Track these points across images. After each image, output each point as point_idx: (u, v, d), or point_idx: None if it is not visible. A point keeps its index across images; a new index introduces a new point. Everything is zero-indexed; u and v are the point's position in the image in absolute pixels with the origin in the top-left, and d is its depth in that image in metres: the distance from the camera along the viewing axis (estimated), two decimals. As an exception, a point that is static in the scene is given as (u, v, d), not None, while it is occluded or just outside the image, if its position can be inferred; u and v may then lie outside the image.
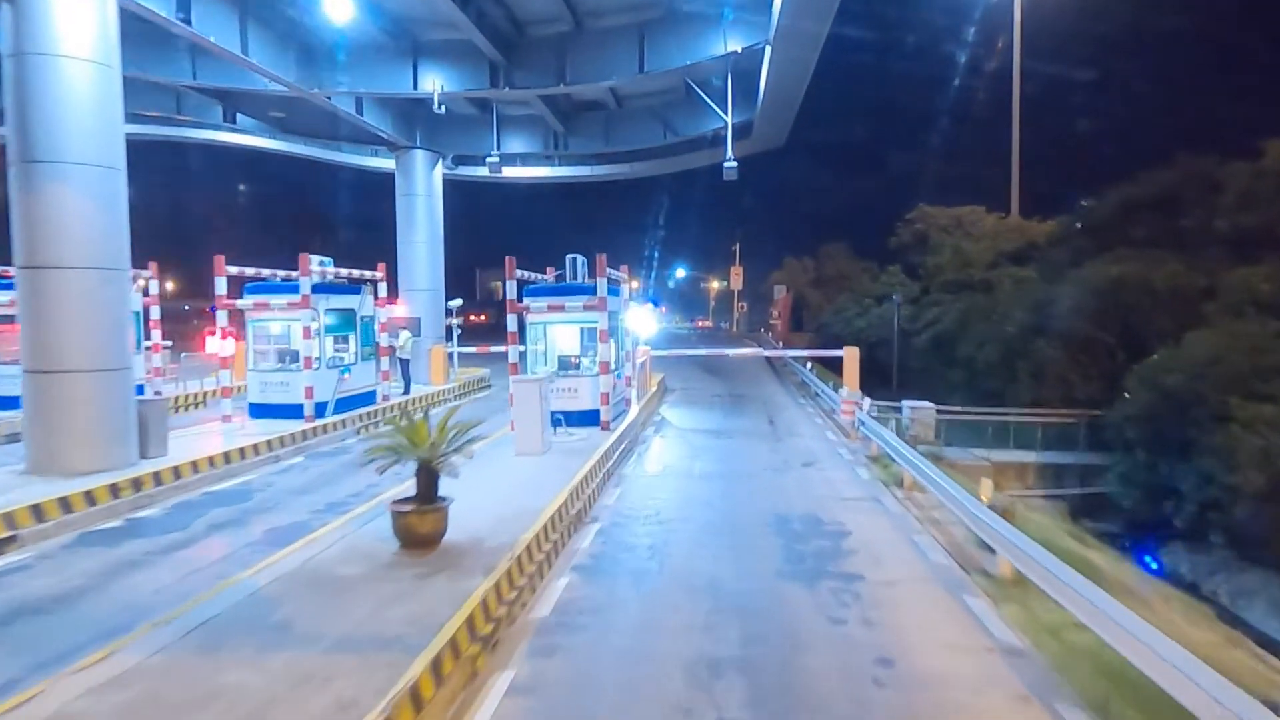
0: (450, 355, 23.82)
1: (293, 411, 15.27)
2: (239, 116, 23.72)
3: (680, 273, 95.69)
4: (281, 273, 16.56)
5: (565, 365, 15.45)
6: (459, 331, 23.59)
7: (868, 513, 10.59)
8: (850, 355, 20.72)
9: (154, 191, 40.02)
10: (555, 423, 13.65)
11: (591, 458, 11.81)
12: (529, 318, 15.27)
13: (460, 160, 25.01)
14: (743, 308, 74.42)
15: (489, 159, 21.31)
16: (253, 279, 16.17)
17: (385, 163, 24.75)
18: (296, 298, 15.16)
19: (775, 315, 53.75)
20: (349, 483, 11.84)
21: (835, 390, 20.59)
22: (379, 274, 18.43)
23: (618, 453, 13.52)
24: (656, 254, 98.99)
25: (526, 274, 16.64)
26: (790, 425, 18.44)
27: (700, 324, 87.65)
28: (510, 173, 25.40)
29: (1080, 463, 15.23)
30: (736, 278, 73.57)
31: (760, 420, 19.30)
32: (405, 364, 19.78)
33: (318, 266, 16.23)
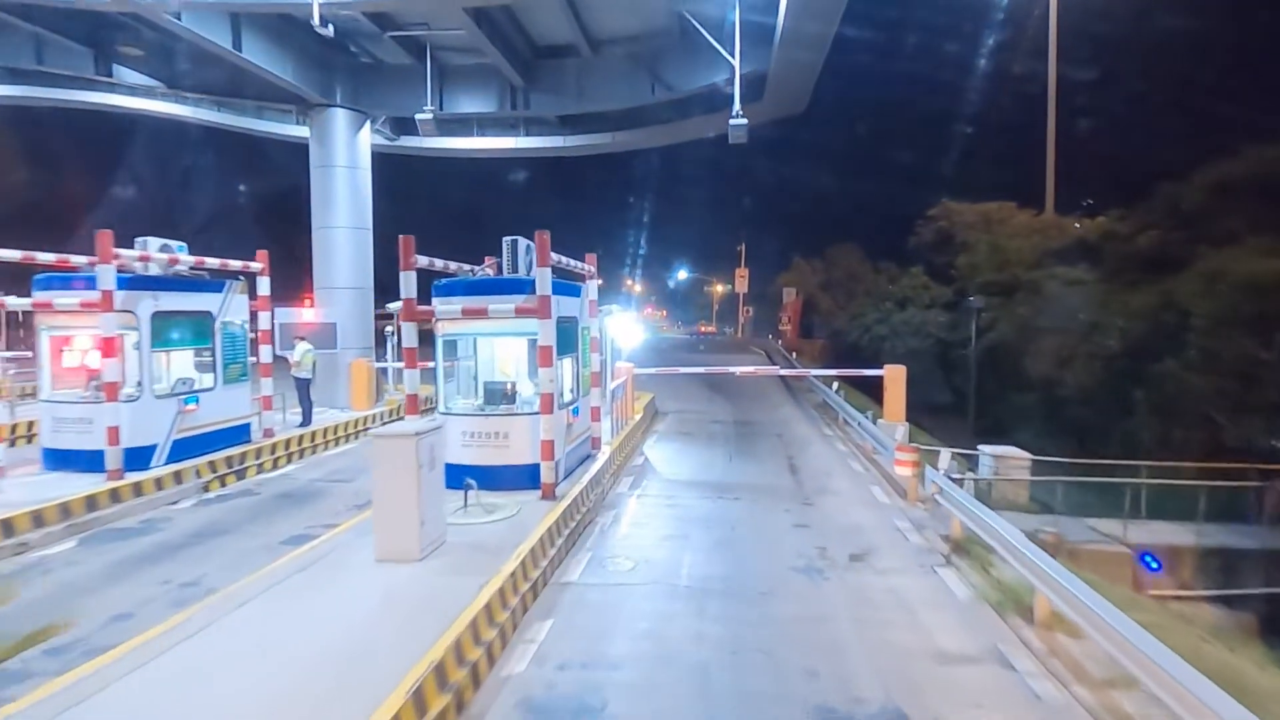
0: (384, 371, 18.94)
1: (97, 461, 10.40)
2: (128, 75, 18.85)
3: (682, 274, 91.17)
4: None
5: (495, 397, 10.51)
6: (394, 340, 18.67)
7: (999, 700, 5.63)
8: (894, 377, 15.82)
9: (26, 169, 34.62)
10: (463, 487, 8.78)
11: (503, 568, 6.91)
12: (439, 329, 10.39)
13: (402, 128, 20.12)
14: (748, 312, 69.45)
15: (419, 116, 16.36)
16: (54, 269, 11.28)
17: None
18: (95, 295, 10.25)
19: (785, 320, 48.79)
20: (92, 605, 7.01)
21: (874, 421, 15.67)
22: (258, 264, 13.53)
23: (560, 541, 8.59)
24: (659, 252, 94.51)
25: (452, 265, 11.73)
26: (819, 474, 13.47)
27: (703, 329, 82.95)
28: (456, 144, 20.48)
29: (1265, 547, 10.26)
30: (741, 280, 68.73)
31: (777, 464, 14.34)
32: (305, 385, 14.87)
33: (142, 252, 11.36)
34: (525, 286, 9.71)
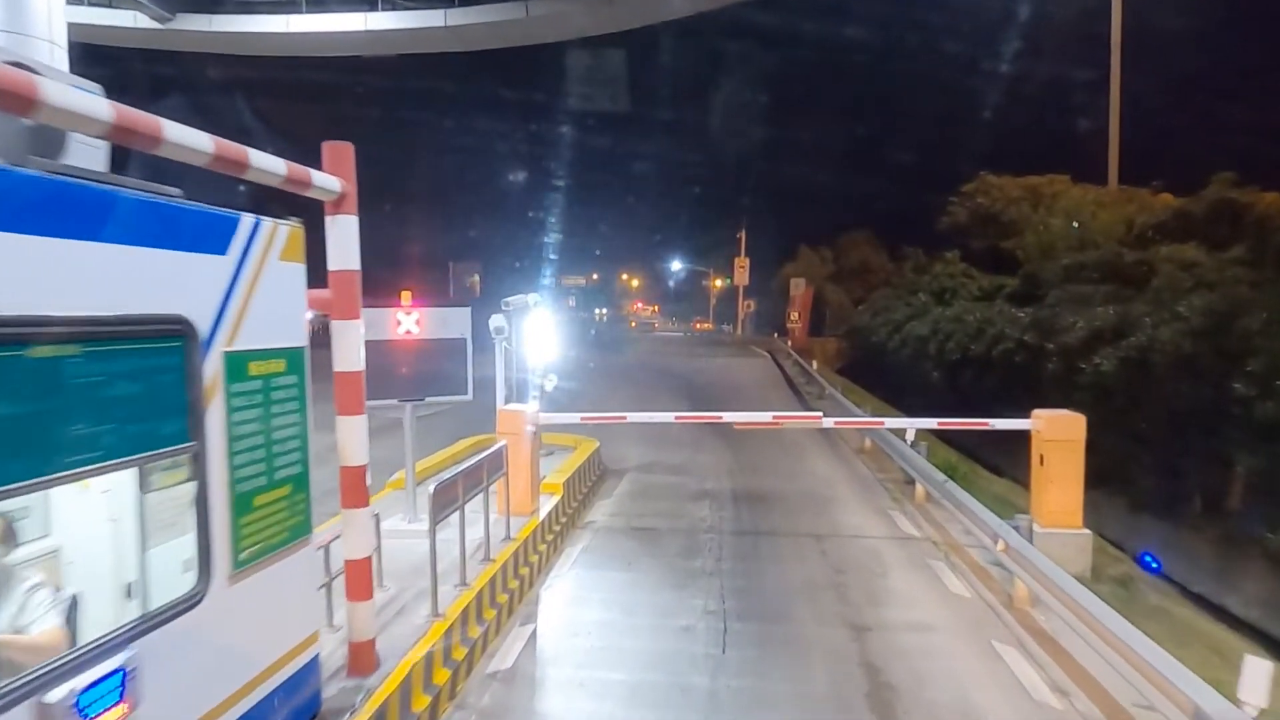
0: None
1: None
2: None
3: (676, 265, 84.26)
4: None
5: None
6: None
7: None
8: (1060, 435, 7.80)
9: None
10: None
11: None
12: None
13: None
14: (749, 306, 61.30)
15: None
16: None
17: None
18: None
19: (794, 317, 40.84)
20: None
21: (1016, 526, 7.59)
22: None
23: None
24: (655, 250, 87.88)
25: None
26: (950, 712, 5.28)
27: (699, 325, 75.32)
28: (269, 25, 12.23)
29: None
30: (741, 270, 60.50)
31: (835, 665, 6.10)
32: None
33: None
34: None
